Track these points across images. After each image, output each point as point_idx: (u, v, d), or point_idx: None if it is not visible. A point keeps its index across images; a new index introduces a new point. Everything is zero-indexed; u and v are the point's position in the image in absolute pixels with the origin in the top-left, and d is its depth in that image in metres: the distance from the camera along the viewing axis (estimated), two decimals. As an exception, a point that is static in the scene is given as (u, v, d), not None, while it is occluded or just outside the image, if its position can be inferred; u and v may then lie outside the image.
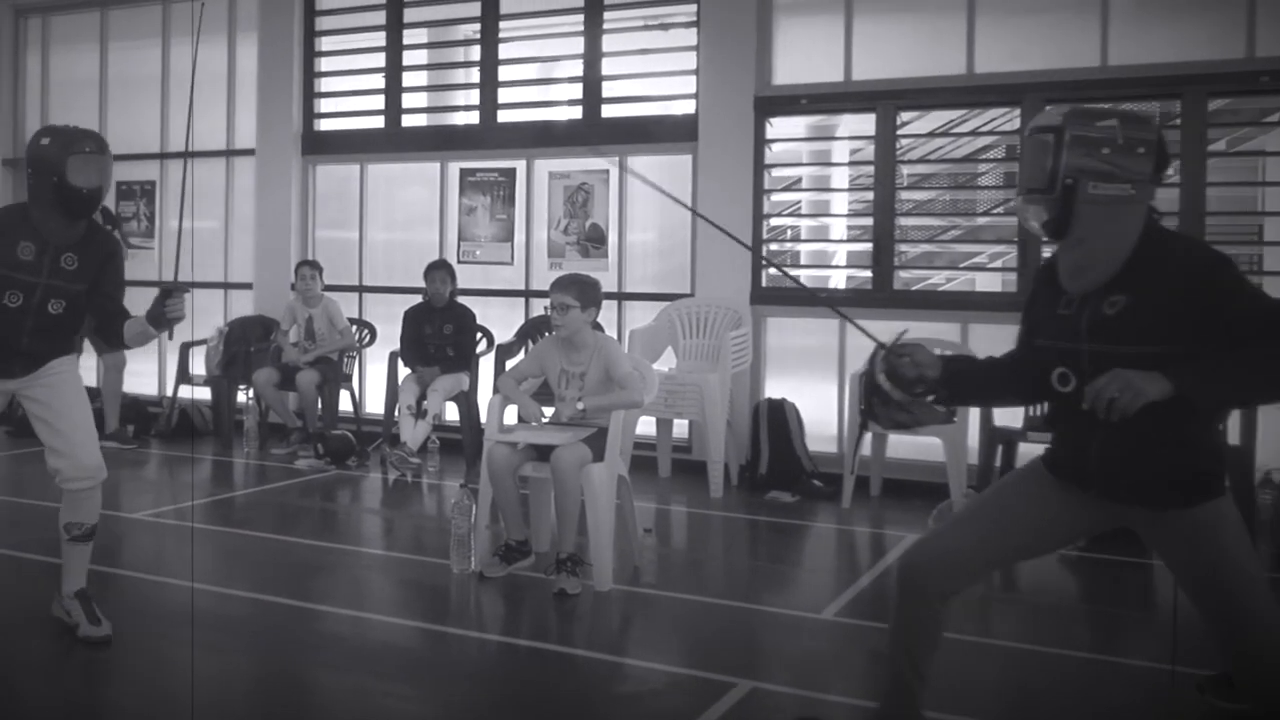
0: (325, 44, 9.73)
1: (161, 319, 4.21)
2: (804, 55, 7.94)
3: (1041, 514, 3.06)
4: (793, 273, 8.55)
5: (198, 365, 9.40)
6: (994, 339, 7.20)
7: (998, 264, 8.68)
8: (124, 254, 4.53)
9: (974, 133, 8.13)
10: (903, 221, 7.74)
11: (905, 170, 7.72)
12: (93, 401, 8.62)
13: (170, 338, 4.43)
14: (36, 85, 11.10)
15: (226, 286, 10.14)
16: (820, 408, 7.73)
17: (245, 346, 9.15)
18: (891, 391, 3.13)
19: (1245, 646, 2.86)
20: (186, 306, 4.32)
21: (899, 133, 7.64)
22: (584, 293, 5.51)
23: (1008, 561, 3.20)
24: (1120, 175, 2.80)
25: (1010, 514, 3.09)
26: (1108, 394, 2.64)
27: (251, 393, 8.87)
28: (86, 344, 8.65)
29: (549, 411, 5.72)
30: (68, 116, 10.77)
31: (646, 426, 7.64)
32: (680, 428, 8.05)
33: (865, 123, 7.80)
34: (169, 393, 9.57)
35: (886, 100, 7.57)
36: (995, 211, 7.88)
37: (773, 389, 7.90)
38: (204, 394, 9.37)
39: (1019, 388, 3.16)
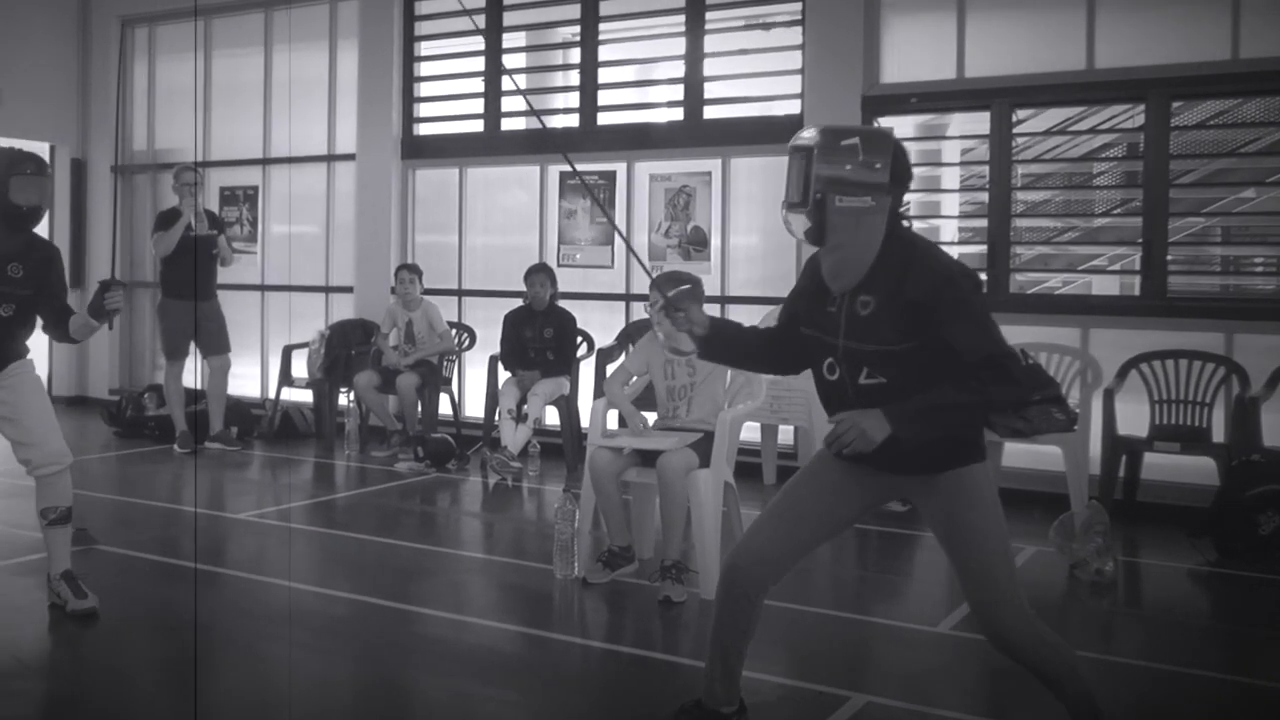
0: (424, 49, 9.75)
1: (101, 311, 4.54)
2: (913, 52, 7.72)
3: (833, 496, 3.34)
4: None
5: (299, 368, 9.45)
6: (1115, 344, 6.96)
7: (1117, 267, 8.36)
8: (63, 262, 4.88)
9: (1093, 130, 7.83)
10: (1018, 223, 7.48)
11: (1020, 170, 7.46)
12: (197, 403, 8.89)
13: (111, 328, 4.81)
14: (143, 94, 11.29)
15: (327, 290, 10.20)
16: (931, 414, 7.47)
17: (346, 350, 9.18)
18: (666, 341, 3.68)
19: (985, 603, 3.17)
20: (125, 300, 4.71)
21: (1014, 131, 7.39)
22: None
23: (814, 544, 3.49)
24: (860, 188, 3.05)
25: (807, 502, 3.36)
26: (845, 440, 3.00)
27: (352, 395, 8.90)
28: (194, 348, 8.77)
29: (652, 417, 5.62)
30: (172, 124, 11.03)
31: (751, 432, 7.49)
32: (785, 434, 7.87)
33: (978, 121, 7.56)
34: (271, 395, 9.65)
35: (1001, 98, 7.32)
36: (1115, 212, 7.58)
37: (880, 395, 7.67)
38: (305, 396, 9.43)
39: (772, 360, 3.54)
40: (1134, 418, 6.73)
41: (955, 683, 4.33)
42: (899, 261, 3.07)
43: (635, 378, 5.75)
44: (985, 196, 7.47)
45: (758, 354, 3.55)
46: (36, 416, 4.68)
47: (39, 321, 4.84)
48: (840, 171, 3.05)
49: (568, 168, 8.95)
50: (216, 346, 8.81)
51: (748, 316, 7.94)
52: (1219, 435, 6.61)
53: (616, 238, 8.77)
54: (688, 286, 4.98)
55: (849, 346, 3.12)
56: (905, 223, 3.18)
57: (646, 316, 8.30)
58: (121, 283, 4.62)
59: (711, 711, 3.52)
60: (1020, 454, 6.96)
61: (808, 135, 3.14)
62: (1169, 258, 7.01)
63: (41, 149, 11.04)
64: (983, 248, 7.47)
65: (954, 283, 3.03)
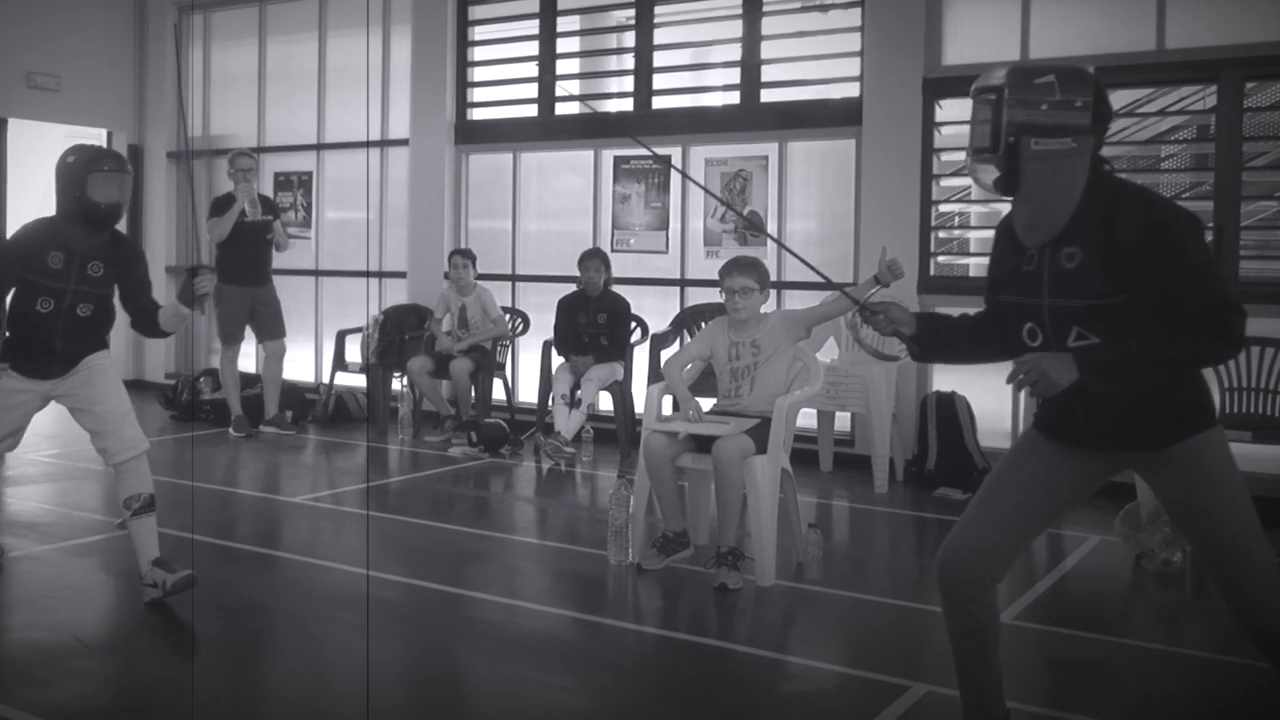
0: (478, 33, 9.72)
1: (192, 297, 4.56)
2: (977, 33, 7.58)
3: (1046, 480, 3.08)
4: (960, 261, 8.20)
5: (353, 353, 9.47)
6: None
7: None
8: (146, 259, 4.87)
9: (1162, 113, 7.62)
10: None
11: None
12: (252, 387, 8.93)
13: (202, 313, 4.76)
14: (199, 80, 11.37)
15: (381, 275, 10.21)
16: (993, 401, 7.36)
17: (400, 335, 9.19)
18: (870, 347, 3.45)
19: (1241, 593, 2.86)
20: (213, 284, 4.71)
21: (1080, 113, 7.21)
22: (762, 275, 5.48)
23: (1033, 534, 3.20)
24: (1060, 130, 2.83)
25: (1018, 488, 3.10)
26: (1027, 381, 2.78)
27: (406, 380, 8.90)
28: (249, 331, 8.82)
29: (708, 404, 5.55)
30: (227, 110, 11.10)
31: (808, 419, 7.39)
32: (842, 420, 7.77)
33: (1042, 103, 7.38)
34: (325, 380, 9.68)
35: (1067, 79, 7.14)
36: (1185, 196, 7.39)
37: (942, 381, 7.55)
38: (359, 381, 9.45)
39: (988, 345, 3.22)
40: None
41: (1016, 673, 4.18)
42: (1107, 205, 2.83)
43: (692, 363, 5.68)
44: (1049, 180, 7.30)
45: (984, 340, 3.20)
46: (109, 405, 4.64)
47: (124, 319, 4.83)
48: (1036, 112, 2.82)
49: (622, 152, 8.88)
50: (271, 331, 8.85)
51: (804, 302, 7.86)
52: (1291, 424, 6.43)
53: (671, 223, 8.70)
54: (881, 288, 4.96)
55: (1055, 305, 2.88)
56: (1106, 166, 2.93)
57: (701, 303, 8.27)
58: (210, 267, 4.63)
59: None
60: (1084, 443, 6.81)
61: (996, 75, 2.90)
62: (1241, 242, 6.83)
63: (99, 135, 11.15)
64: (1046, 233, 7.31)
65: (1169, 226, 2.76)
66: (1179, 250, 2.74)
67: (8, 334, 4.74)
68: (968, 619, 3.10)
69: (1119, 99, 7.59)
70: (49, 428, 8.82)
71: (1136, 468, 3.05)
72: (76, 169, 4.49)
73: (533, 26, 9.36)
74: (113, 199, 4.51)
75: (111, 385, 4.71)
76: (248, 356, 9.12)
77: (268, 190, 10.19)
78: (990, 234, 8.68)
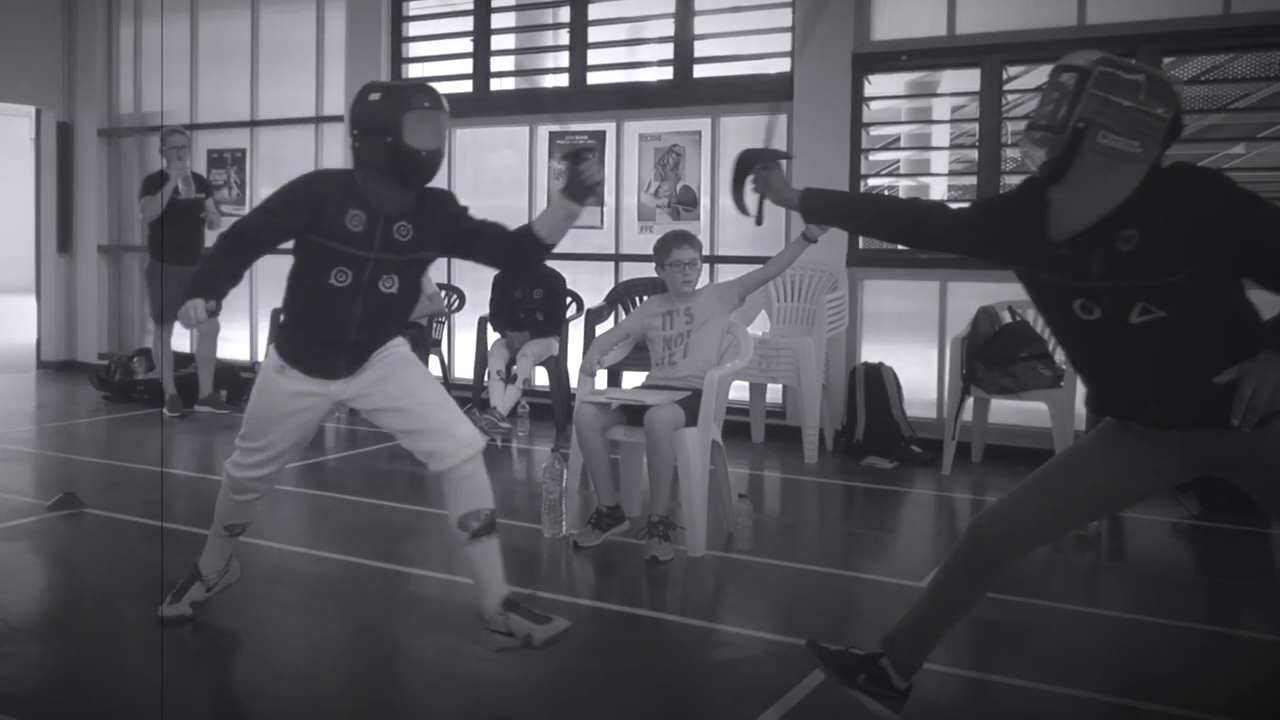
0: (413, 8, 9.66)
1: (581, 187, 3.70)
2: (905, 9, 7.65)
3: (1128, 474, 2.98)
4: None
5: (289, 331, 9.40)
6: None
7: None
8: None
9: (1083, 87, 7.80)
10: (1007, 180, 7.46)
11: (1010, 127, 7.43)
12: (186, 367, 8.86)
13: (600, 202, 3.99)
14: (130, 56, 11.21)
15: (317, 253, 10.14)
16: (920, 372, 7.51)
17: (335, 312, 9.13)
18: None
19: None
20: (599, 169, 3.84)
21: (1005, 88, 7.35)
22: (700, 248, 5.59)
23: (1084, 523, 3.33)
24: (1133, 131, 2.69)
25: (1092, 479, 3.01)
26: (1274, 406, 2.52)
27: (341, 358, 8.85)
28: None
29: (640, 377, 5.62)
30: (159, 86, 10.93)
31: (740, 391, 7.48)
32: (774, 393, 7.88)
33: (969, 79, 7.51)
34: (261, 358, 9.62)
35: (992, 54, 7.28)
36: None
37: (870, 353, 7.68)
38: (295, 360, 9.38)
39: (918, 234, 3.25)
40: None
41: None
42: (1162, 191, 2.70)
43: (620, 342, 5.71)
44: (975, 154, 7.44)
45: (904, 224, 3.24)
46: (425, 397, 3.82)
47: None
48: (1116, 105, 2.67)
49: (557, 128, 8.90)
50: (205, 310, 8.75)
51: (736, 276, 7.96)
52: (1206, 391, 6.59)
53: (606, 198, 8.72)
54: (810, 244, 5.11)
55: (1113, 285, 2.75)
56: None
57: (635, 278, 8.33)
58: (590, 146, 3.83)
59: (879, 672, 3.25)
60: (1007, 410, 6.97)
61: (1085, 56, 2.77)
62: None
63: (27, 113, 10.98)
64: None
65: (1231, 185, 2.70)
66: (1248, 199, 2.67)
67: (283, 318, 3.99)
68: (971, 589, 3.16)
69: (1039, 75, 7.74)
70: (-21, 410, 8.72)
71: (1213, 459, 2.91)
72: (385, 109, 3.62)
73: (468, 1, 9.33)
74: (431, 145, 3.64)
75: (421, 375, 3.92)
76: (181, 336, 9.05)
77: (200, 168, 10.08)
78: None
